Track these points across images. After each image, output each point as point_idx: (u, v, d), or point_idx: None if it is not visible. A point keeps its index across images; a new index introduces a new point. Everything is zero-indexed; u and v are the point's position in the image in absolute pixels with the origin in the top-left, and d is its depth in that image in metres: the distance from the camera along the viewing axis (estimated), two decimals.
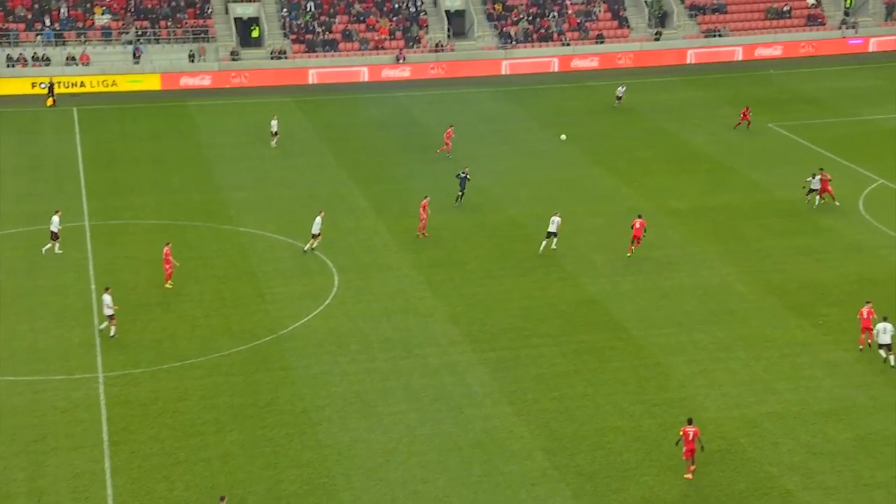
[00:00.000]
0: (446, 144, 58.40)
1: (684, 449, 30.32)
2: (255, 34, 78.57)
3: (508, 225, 49.03)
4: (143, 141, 62.52)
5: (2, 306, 40.69)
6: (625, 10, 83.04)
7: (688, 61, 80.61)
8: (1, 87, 71.32)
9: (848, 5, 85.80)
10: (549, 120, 65.97)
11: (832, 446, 31.86)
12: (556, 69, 78.64)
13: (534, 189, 53.60)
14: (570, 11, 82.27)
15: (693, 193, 52.78)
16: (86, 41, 75.19)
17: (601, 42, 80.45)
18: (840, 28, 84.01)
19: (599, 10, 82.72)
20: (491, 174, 54.43)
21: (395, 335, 38.74)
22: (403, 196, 52.50)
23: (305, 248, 45.57)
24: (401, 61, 77.19)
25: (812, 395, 34.55)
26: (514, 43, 79.63)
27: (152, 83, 73.61)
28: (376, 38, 78.57)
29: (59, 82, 71.03)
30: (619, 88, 68.50)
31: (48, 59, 73.58)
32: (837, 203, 50.10)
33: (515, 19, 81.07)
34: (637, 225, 44.89)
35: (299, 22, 78.72)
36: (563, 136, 60.08)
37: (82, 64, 73.85)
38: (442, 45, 78.88)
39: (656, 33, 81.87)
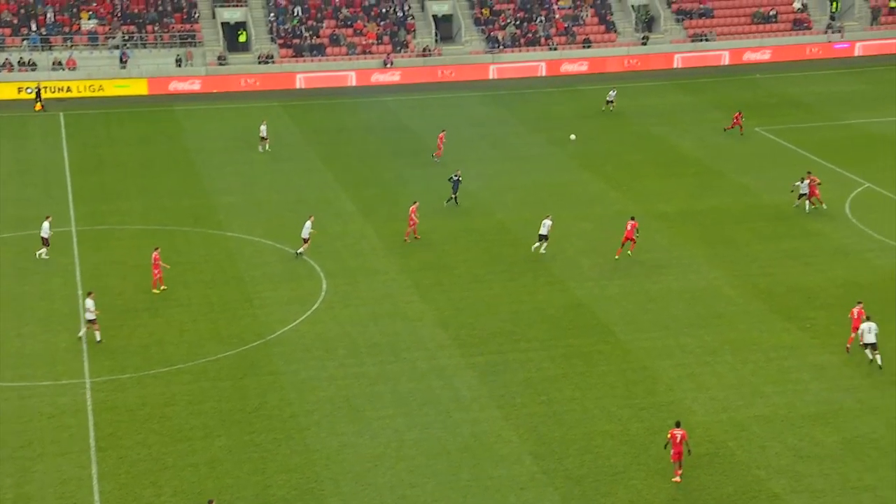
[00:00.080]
0: (438, 148, 58.49)
1: (672, 452, 30.36)
2: (242, 39, 78.49)
3: (497, 229, 49.06)
4: (130, 146, 62.38)
5: None
6: (612, 14, 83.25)
7: (674, 66, 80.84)
8: None
9: (834, 10, 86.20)
10: (537, 124, 66.08)
11: (819, 449, 31.94)
12: (544, 73, 78.77)
13: (522, 193, 53.65)
14: (557, 16, 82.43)
15: (681, 197, 52.90)
16: (72, 46, 75.01)
17: (588, 46, 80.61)
18: (826, 32, 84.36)
19: (587, 15, 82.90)
20: (479, 178, 54.45)
21: (383, 339, 38.72)
22: (391, 200, 52.51)
23: (298, 252, 45.54)
24: (388, 66, 77.22)
25: (799, 399, 34.64)
26: (501, 47, 79.74)
27: (139, 88, 73.47)
28: (364, 42, 78.58)
29: (46, 87, 70.85)
30: (610, 93, 68.51)
31: (34, 63, 73.35)
32: (825, 206, 50.28)
33: (503, 24, 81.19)
34: (629, 227, 45.02)
35: (287, 27, 78.68)
36: (573, 137, 60.35)
37: (69, 69, 73.67)
38: (429, 50, 78.93)
39: (643, 38, 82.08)
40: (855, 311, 37.36)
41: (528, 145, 61.98)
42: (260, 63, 76.55)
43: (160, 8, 78.05)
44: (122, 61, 74.50)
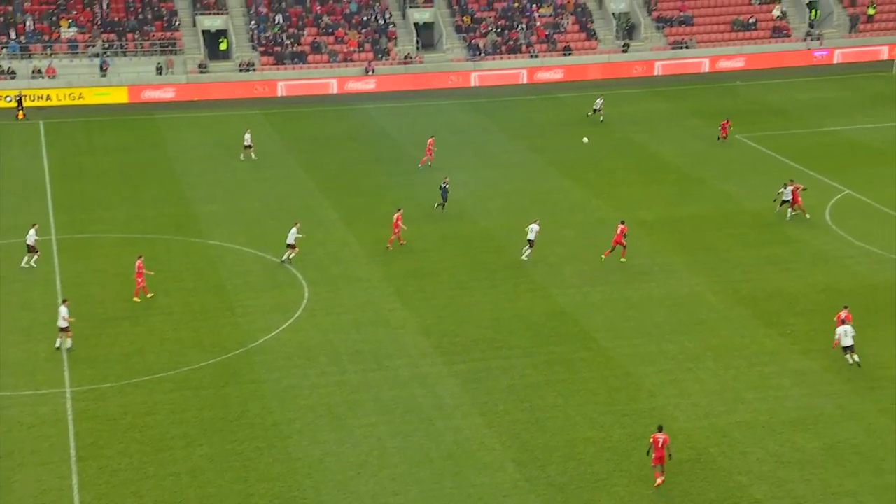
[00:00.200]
0: (427, 155, 58.57)
1: (653, 456, 30.43)
2: (223, 47, 78.38)
3: (479, 236, 49.09)
4: (110, 154, 62.17)
5: None
6: (593, 22, 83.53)
7: (655, 73, 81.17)
8: None
9: (813, 17, 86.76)
10: (519, 132, 66.21)
11: (801, 455, 32.06)
12: (525, 81, 78.96)
13: (504, 201, 53.72)
14: (538, 24, 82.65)
15: (662, 204, 53.07)
16: (52, 54, 74.72)
17: (569, 54, 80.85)
18: (805, 40, 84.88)
19: (567, 23, 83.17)
20: (461, 186, 54.46)
21: (366, 347, 38.67)
22: (373, 207, 52.51)
23: (283, 259, 45.47)
24: (370, 73, 77.25)
25: (780, 405, 34.76)
26: (482, 55, 79.89)
27: (119, 96, 73.24)
28: (345, 50, 78.59)
29: (26, 95, 70.53)
30: (597, 101, 68.51)
31: (14, 72, 73.03)
32: (808, 216, 50.43)
33: (484, 31, 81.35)
34: (618, 231, 45.20)
35: (268, 34, 78.62)
36: (586, 139, 60.59)
37: (48, 77, 73.37)
38: (411, 57, 79.00)
39: (624, 45, 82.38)
40: (842, 314, 37.67)
41: (510, 153, 62.09)
42: (241, 71, 76.44)
43: (140, 16, 77.86)
44: (103, 69, 74.26)
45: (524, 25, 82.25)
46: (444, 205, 51.39)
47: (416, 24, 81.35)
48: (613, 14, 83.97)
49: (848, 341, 36.51)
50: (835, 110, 70.69)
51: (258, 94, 74.69)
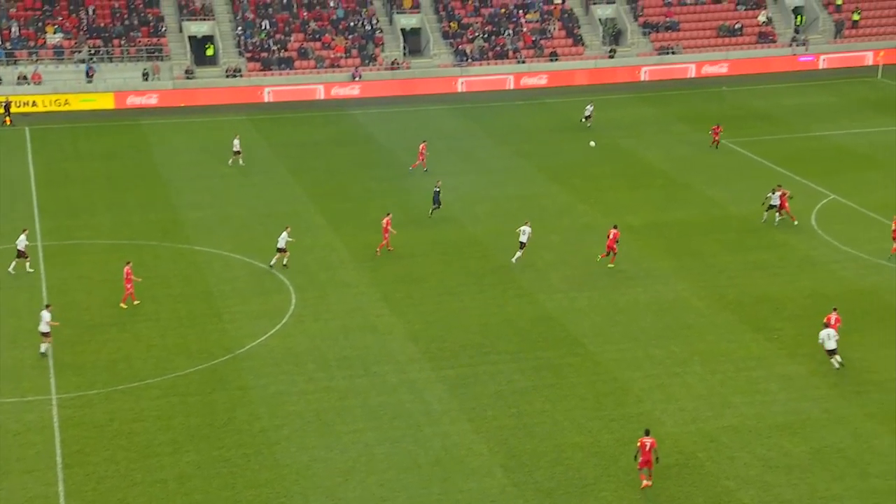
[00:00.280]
0: (419, 159, 58.63)
1: (640, 459, 30.47)
2: (209, 52, 78.28)
3: (466, 242, 49.12)
4: (96, 160, 62.00)
5: None
6: (579, 28, 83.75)
7: (641, 78, 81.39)
8: None
9: (798, 23, 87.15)
10: (505, 137, 66.30)
11: (788, 460, 32.14)
12: (512, 86, 79.07)
13: (491, 206, 53.77)
14: (525, 29, 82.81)
15: (648, 209, 53.18)
16: (38, 60, 74.51)
17: (555, 60, 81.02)
18: (790, 45, 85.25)
19: (554, 29, 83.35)
20: (448, 191, 54.43)
21: (353, 353, 38.63)
22: (361, 213, 52.50)
23: (272, 264, 45.42)
24: (356, 79, 77.26)
25: (767, 409, 34.85)
26: (469, 60, 79.99)
27: (105, 102, 73.09)
28: (332, 56, 78.59)
29: (11, 102, 70.28)
30: (588, 107, 68.52)
31: None
32: (795, 222, 50.56)
33: (471, 37, 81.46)
34: (611, 235, 45.30)
35: (254, 40, 78.56)
36: (592, 143, 60.68)
37: (34, 83, 73.16)
38: (398, 63, 79.05)
39: (610, 51, 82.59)
40: (832, 317, 37.91)
41: (497, 158, 62.17)
42: (228, 77, 76.36)
43: (126, 22, 77.72)
44: (89, 75, 74.07)
45: (511, 31, 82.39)
46: (434, 208, 51.45)
47: (402, 30, 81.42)
48: (600, 20, 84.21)
49: (831, 344, 36.74)
50: (820, 115, 70.99)
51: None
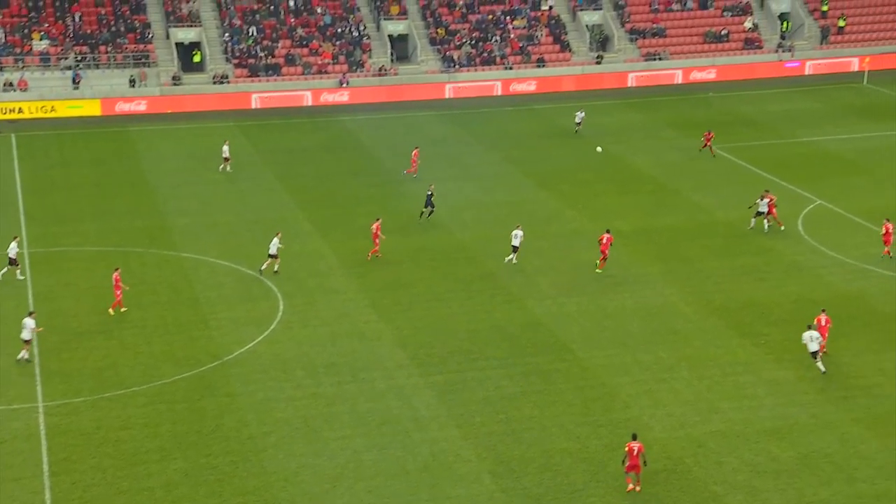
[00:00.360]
0: (413, 165, 58.63)
1: (627, 463, 30.49)
2: (196, 59, 78.18)
3: (454, 248, 49.12)
4: (83, 167, 61.84)
5: None
6: (566, 34, 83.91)
7: (629, 84, 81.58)
8: None
9: (784, 29, 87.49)
10: (493, 143, 66.35)
11: (775, 465, 32.19)
12: (499, 92, 79.18)
13: (479, 212, 53.80)
14: (512, 36, 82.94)
15: (636, 215, 53.26)
16: (24, 67, 74.29)
17: (542, 66, 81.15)
18: (777, 51, 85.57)
19: (541, 35, 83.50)
20: (436, 197, 54.43)
21: (341, 360, 38.57)
22: (348, 219, 52.47)
23: (262, 269, 45.36)
24: (344, 85, 77.25)
25: (755, 414, 34.91)
26: (457, 67, 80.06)
27: (92, 109, 72.89)
28: (319, 62, 78.57)
29: None
30: (578, 114, 68.49)
31: None
32: (782, 227, 50.68)
33: (458, 43, 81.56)
34: (604, 240, 45.39)
35: (241, 46, 78.49)
36: (599, 149, 60.80)
37: (20, 90, 72.93)
38: (385, 69, 79.08)
39: (597, 57, 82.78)
40: (822, 318, 38.14)
41: (485, 164, 62.21)
42: (215, 83, 76.27)
43: (113, 28, 77.59)
44: (75, 82, 73.91)
45: (498, 37, 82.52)
46: (425, 212, 51.70)
47: (390, 36, 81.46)
48: (587, 26, 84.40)
49: (814, 346, 36.95)
50: (807, 121, 71.24)
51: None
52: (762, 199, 50.71)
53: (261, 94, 75.72)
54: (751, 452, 32.76)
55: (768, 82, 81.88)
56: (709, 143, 62.85)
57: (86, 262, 47.19)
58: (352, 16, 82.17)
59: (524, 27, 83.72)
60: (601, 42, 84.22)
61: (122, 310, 41.91)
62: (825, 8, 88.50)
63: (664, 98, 77.80)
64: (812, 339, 37.01)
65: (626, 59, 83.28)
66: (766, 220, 50.55)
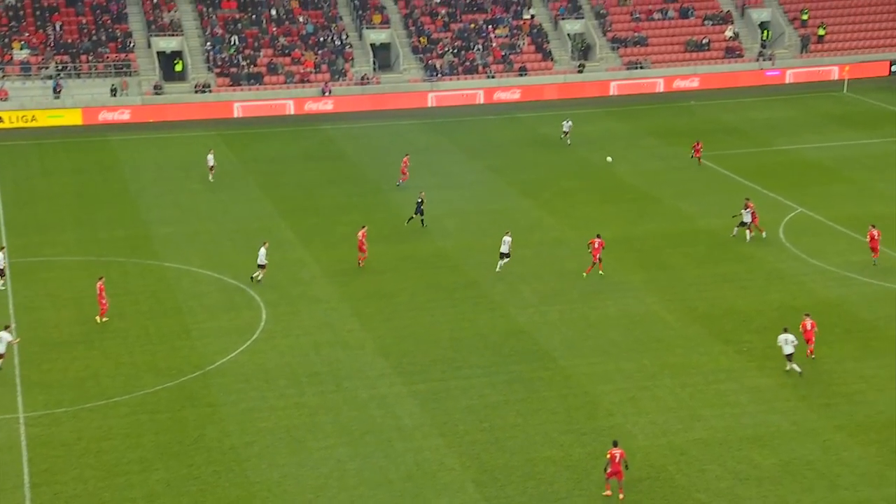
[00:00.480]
0: (403, 173, 58.66)
1: (609, 470, 30.52)
2: (178, 68, 78.00)
3: (437, 256, 49.12)
4: (64, 176, 61.57)
5: None
6: (548, 43, 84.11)
7: (610, 93, 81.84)
8: None
9: (765, 38, 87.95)
10: (477, 152, 66.41)
11: (758, 472, 32.28)
12: (482, 101, 79.29)
13: (462, 220, 53.82)
14: (494, 44, 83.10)
15: (618, 223, 53.36)
16: (4, 76, 73.95)
17: (524, 74, 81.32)
18: (757, 60, 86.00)
19: (523, 44, 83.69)
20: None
21: (324, 369, 38.49)
22: (331, 228, 52.41)
23: (257, 278, 45.29)
24: (326, 94, 77.21)
25: (737, 422, 35.00)
26: (439, 75, 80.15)
27: (73, 118, 72.62)
28: (302, 71, 78.51)
29: None
30: (565, 123, 68.53)
31: None
32: (764, 235, 50.85)
33: (441, 52, 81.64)
34: (595, 245, 45.55)
35: (223, 55, 78.37)
36: (609, 159, 60.88)
37: (1, 99, 72.58)
38: (368, 78, 79.09)
39: (579, 66, 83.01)
40: (807, 322, 38.35)
41: (468, 172, 62.26)
42: (197, 92, 76.11)
43: (94, 37, 77.33)
44: (56, 91, 73.62)
45: (480, 46, 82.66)
46: (415, 219, 51.89)
47: (372, 45, 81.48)
48: (569, 35, 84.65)
49: (789, 349, 37.21)
50: (787, 129, 71.59)
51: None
52: (745, 210, 50.82)
53: (243, 103, 75.60)
54: (733, 460, 32.83)
55: (749, 91, 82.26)
56: (699, 154, 62.85)
57: (67, 272, 46.97)
58: (334, 25, 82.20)
59: (506, 36, 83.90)
60: (583, 51, 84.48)
61: (104, 319, 41.70)
62: (805, 17, 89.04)
63: (646, 106, 78.06)
64: (787, 342, 37.34)
65: (608, 67, 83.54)
66: (748, 231, 50.59)
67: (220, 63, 77.78)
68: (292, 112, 76.02)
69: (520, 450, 33.33)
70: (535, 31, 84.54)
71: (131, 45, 77.46)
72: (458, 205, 56.21)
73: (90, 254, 49.32)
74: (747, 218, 50.56)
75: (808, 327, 38.43)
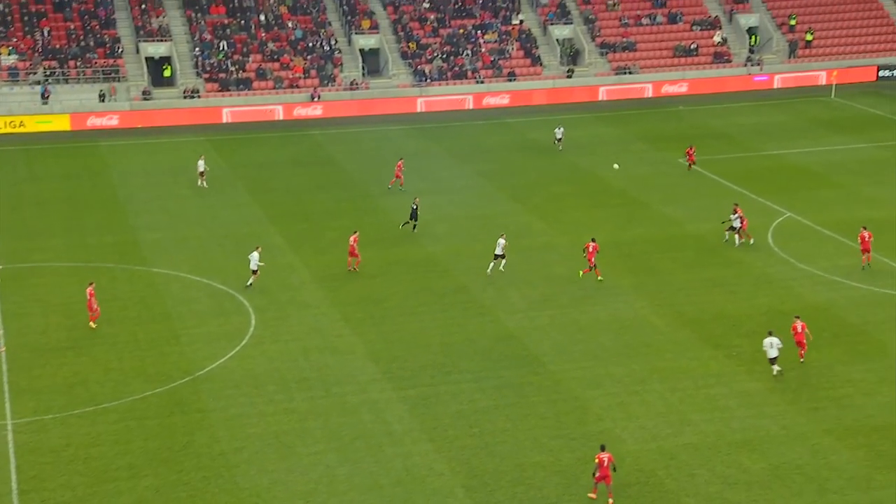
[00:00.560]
0: (397, 177, 58.68)
1: (597, 474, 30.54)
2: (167, 73, 77.89)
3: (427, 261, 49.12)
4: (52, 182, 61.43)
5: None
6: (537, 48, 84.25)
7: (599, 98, 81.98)
8: None
9: (753, 43, 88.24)
10: (466, 157, 66.46)
11: (747, 476, 32.33)
12: (471, 106, 79.36)
13: (451, 225, 53.85)
14: (483, 50, 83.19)
15: (607, 228, 53.43)
16: None
17: (513, 80, 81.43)
18: (746, 65, 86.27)
19: (512, 49, 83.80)
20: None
21: (313, 374, 38.44)
22: (320, 233, 52.39)
23: (249, 283, 45.24)
24: (315, 99, 77.19)
25: (726, 426, 35.06)
26: (428, 80, 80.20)
27: (62, 124, 72.46)
28: (291, 76, 78.49)
29: None
30: (558, 130, 68.55)
31: None
32: (752, 241, 50.93)
33: (430, 57, 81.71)
34: (590, 248, 45.63)
35: (212, 61, 78.29)
36: (616, 166, 60.98)
37: None
38: (357, 83, 79.10)
39: (568, 71, 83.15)
40: (797, 325, 38.52)
41: (457, 177, 62.30)
42: (185, 98, 76.01)
43: (83, 43, 77.19)
44: (44, 97, 73.45)
45: (469, 51, 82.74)
46: (412, 224, 51.96)
47: (361, 50, 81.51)
48: (557, 40, 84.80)
49: (774, 353, 37.36)
50: (775, 134, 71.82)
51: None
52: (734, 215, 50.93)
53: (232, 109, 75.54)
54: (722, 464, 32.88)
55: (737, 96, 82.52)
56: (693, 159, 62.91)
57: (55, 278, 46.84)
58: (323, 30, 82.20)
59: (495, 41, 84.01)
60: (572, 56, 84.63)
61: (92, 326, 41.59)
62: (793, 22, 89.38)
63: (635, 112, 78.21)
64: (772, 346, 37.48)
65: (597, 72, 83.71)
66: (737, 237, 50.71)
67: (208, 68, 77.70)
68: (281, 117, 75.98)
69: (509, 455, 33.33)
70: (524, 36, 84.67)
71: (120, 50, 77.33)
72: (447, 210, 56.23)
73: (79, 259, 49.19)
74: (737, 223, 50.66)
75: (799, 329, 38.57)
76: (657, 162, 64.87)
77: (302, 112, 76.47)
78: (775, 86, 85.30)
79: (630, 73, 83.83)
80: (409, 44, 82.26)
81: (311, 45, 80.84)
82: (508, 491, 31.52)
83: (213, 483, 31.79)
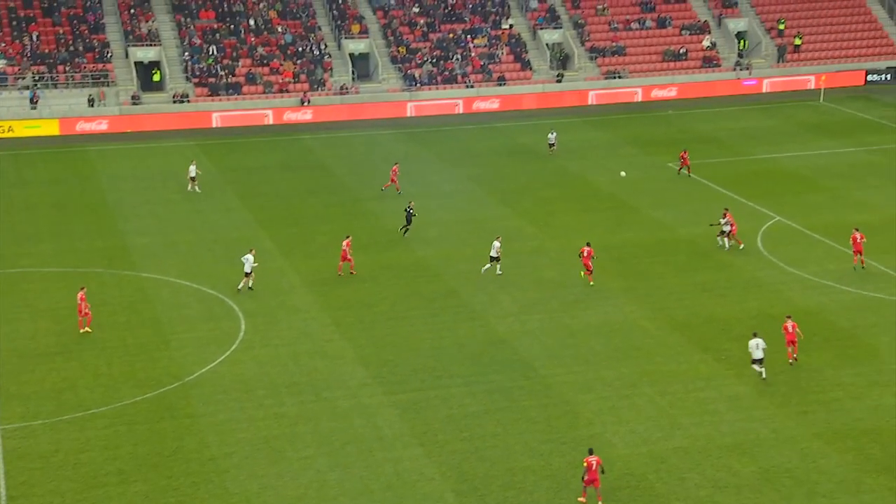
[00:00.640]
0: (392, 181, 58.66)
1: (586, 478, 30.55)
2: (156, 78, 77.80)
3: (417, 265, 49.10)
4: (41, 187, 61.27)
5: None
6: (527, 52, 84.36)
7: (589, 102, 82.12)
8: None
9: (741, 48, 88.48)
10: (455, 161, 66.49)
11: (737, 480, 32.37)
12: (461, 111, 79.41)
13: (441, 229, 53.84)
14: (473, 54, 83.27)
15: (597, 232, 53.47)
16: None
17: (503, 84, 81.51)
18: (735, 70, 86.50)
19: (502, 53, 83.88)
20: (398, 215, 54.49)
21: (304, 379, 38.38)
22: (310, 238, 52.33)
23: (247, 287, 45.16)
24: (305, 104, 77.15)
25: (716, 430, 35.10)
26: (418, 85, 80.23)
27: (50, 128, 72.29)
28: (280, 81, 78.44)
29: None
30: (551, 135, 68.51)
31: None
32: (741, 246, 50.99)
33: (419, 62, 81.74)
34: (584, 253, 45.66)
35: (202, 65, 78.21)
36: (623, 174, 60.98)
37: None
38: (347, 88, 79.09)
39: (558, 75, 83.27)
40: (788, 325, 38.65)
41: (447, 182, 62.31)
42: (175, 102, 75.90)
43: (71, 48, 77.04)
44: (33, 102, 73.27)
45: (459, 56, 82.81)
46: (407, 228, 51.95)
47: (351, 55, 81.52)
48: (547, 45, 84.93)
49: (759, 354, 37.50)
50: (764, 138, 72.00)
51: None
52: (724, 219, 51.00)
53: (221, 114, 75.46)
54: (713, 468, 32.92)
55: (726, 100, 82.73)
56: (687, 163, 62.91)
57: (44, 283, 46.70)
58: (312, 34, 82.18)
59: (485, 46, 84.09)
60: (561, 60, 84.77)
61: (81, 331, 41.46)
62: (782, 27, 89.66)
63: (624, 116, 78.35)
64: (757, 347, 37.61)
65: (587, 77, 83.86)
66: (727, 240, 50.78)
67: (198, 73, 77.61)
68: (271, 122, 75.93)
69: (500, 459, 33.31)
70: (514, 40, 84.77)
71: (109, 55, 77.20)
72: (437, 214, 56.22)
73: (68, 265, 49.06)
74: (727, 227, 50.76)
75: (790, 329, 38.65)
76: (647, 166, 64.98)
77: (292, 116, 76.42)
78: (764, 90, 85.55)
79: (619, 77, 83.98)
80: (399, 48, 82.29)
81: (300, 49, 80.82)
82: (499, 495, 31.50)
83: (203, 488, 31.71)
